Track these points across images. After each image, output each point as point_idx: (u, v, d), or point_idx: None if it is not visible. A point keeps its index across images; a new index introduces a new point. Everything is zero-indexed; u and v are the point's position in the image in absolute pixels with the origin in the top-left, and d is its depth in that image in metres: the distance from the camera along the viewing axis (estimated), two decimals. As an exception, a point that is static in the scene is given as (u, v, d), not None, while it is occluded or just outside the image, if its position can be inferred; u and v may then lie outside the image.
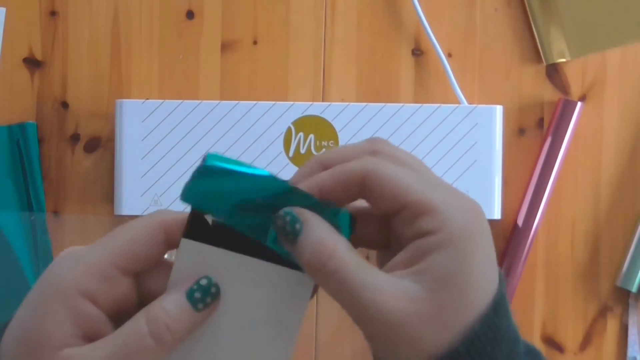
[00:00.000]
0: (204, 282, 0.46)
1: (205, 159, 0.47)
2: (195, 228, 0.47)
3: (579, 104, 0.87)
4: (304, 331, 0.88)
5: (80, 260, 0.45)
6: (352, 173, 0.46)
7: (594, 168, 0.88)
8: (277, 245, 0.46)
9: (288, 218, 0.45)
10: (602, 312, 0.88)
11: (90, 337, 0.45)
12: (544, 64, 0.89)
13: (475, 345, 0.44)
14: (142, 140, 0.83)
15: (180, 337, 0.45)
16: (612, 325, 0.88)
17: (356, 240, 0.47)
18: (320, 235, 0.44)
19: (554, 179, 0.87)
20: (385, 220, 0.47)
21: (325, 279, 0.44)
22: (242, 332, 0.47)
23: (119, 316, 0.46)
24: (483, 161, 0.84)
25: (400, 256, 0.45)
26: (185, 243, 0.46)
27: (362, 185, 0.46)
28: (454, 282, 0.44)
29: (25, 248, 0.87)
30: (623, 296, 0.88)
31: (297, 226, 0.45)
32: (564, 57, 0.88)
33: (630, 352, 0.87)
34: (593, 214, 0.88)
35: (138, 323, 0.44)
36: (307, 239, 0.44)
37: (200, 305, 0.45)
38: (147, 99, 0.86)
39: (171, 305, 0.45)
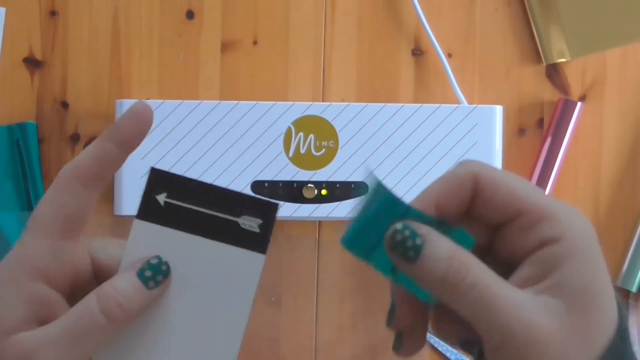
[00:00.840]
0: (154, 261, 0.46)
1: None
2: (148, 208, 0.48)
3: (579, 104, 0.87)
4: (304, 331, 0.88)
5: (23, 245, 0.45)
6: (463, 177, 0.44)
7: (594, 168, 0.88)
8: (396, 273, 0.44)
9: (407, 232, 0.42)
10: (602, 312, 0.88)
11: (46, 319, 0.45)
12: (544, 64, 0.89)
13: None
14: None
15: (131, 314, 0.45)
16: (612, 325, 0.88)
17: None
18: (450, 248, 0.42)
19: (554, 179, 0.87)
20: (488, 233, 0.45)
21: (463, 294, 0.41)
22: (194, 312, 0.48)
23: (83, 287, 0.46)
24: (483, 161, 0.84)
25: (527, 270, 0.43)
26: (138, 224, 0.47)
27: (474, 191, 0.44)
28: (592, 294, 0.42)
29: (25, 248, 0.87)
30: (623, 296, 0.88)
31: (418, 241, 0.42)
32: (564, 57, 0.88)
33: (630, 352, 0.87)
34: (593, 214, 0.88)
35: (89, 301, 0.44)
36: (435, 254, 0.41)
37: (151, 284, 0.45)
38: (147, 99, 0.86)
39: (122, 283, 0.45)
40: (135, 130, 0.47)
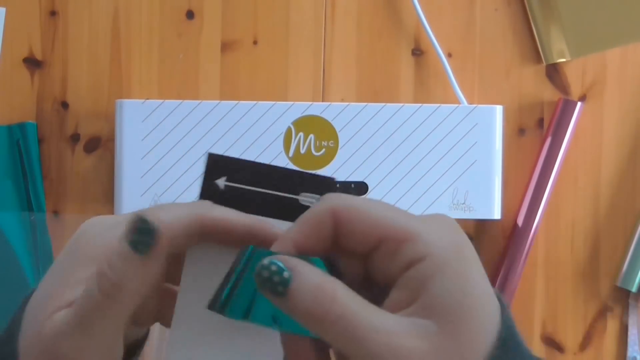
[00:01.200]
0: (134, 218, 0.41)
1: None
2: (209, 193, 0.47)
3: (579, 103, 0.87)
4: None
5: (110, 232, 0.44)
6: (320, 214, 0.43)
7: (594, 168, 0.88)
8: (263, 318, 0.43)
9: (274, 267, 0.40)
10: (602, 312, 0.88)
11: None
12: (544, 64, 0.89)
13: None
14: (142, 140, 0.83)
15: (130, 287, 0.42)
16: (612, 325, 0.88)
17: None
18: (316, 279, 0.40)
19: (554, 179, 0.87)
20: (360, 262, 0.44)
21: (329, 326, 0.40)
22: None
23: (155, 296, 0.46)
24: (483, 161, 0.84)
25: (397, 293, 0.42)
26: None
27: (334, 225, 0.43)
28: (464, 308, 0.41)
29: (25, 248, 0.87)
30: (623, 296, 0.88)
31: (286, 274, 0.40)
32: (564, 57, 0.88)
33: (630, 352, 0.87)
34: (593, 214, 0.88)
35: (91, 283, 0.42)
36: (302, 286, 0.40)
37: (140, 247, 0.41)
38: (147, 99, 0.86)
39: (113, 255, 0.41)
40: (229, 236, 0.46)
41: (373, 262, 0.44)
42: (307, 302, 0.40)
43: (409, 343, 0.40)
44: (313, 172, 0.48)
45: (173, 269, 0.47)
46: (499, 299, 0.43)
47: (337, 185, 0.46)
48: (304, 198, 0.47)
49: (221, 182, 0.47)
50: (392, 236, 0.42)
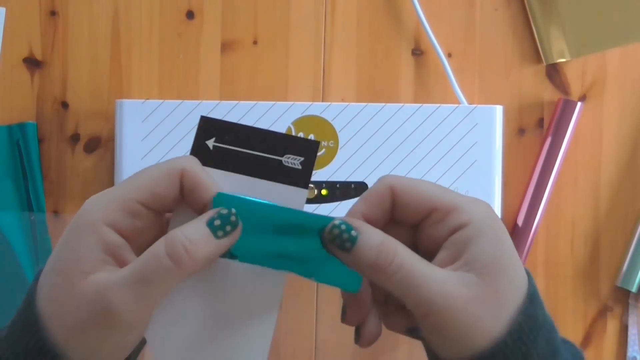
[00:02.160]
0: (224, 211, 0.49)
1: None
2: (199, 153, 0.51)
3: (579, 104, 0.87)
4: (304, 331, 0.88)
5: (106, 197, 0.49)
6: (382, 190, 0.51)
7: (594, 168, 0.88)
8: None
9: (343, 227, 0.49)
10: (602, 312, 0.88)
11: (118, 263, 0.49)
12: (544, 64, 0.89)
13: (519, 333, 0.48)
14: (142, 140, 0.83)
15: (197, 260, 0.47)
16: (612, 325, 0.88)
17: None
18: (380, 237, 0.49)
19: (554, 179, 0.87)
20: (409, 232, 0.52)
21: (391, 275, 0.48)
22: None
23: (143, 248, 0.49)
24: (483, 161, 0.84)
25: (443, 254, 0.50)
26: None
27: (393, 200, 0.51)
28: (499, 266, 0.49)
29: (25, 248, 0.87)
30: (623, 296, 0.88)
31: (354, 233, 0.48)
32: (564, 57, 0.88)
33: (630, 352, 0.87)
34: (593, 213, 0.88)
35: (157, 246, 0.47)
36: (368, 242, 0.48)
37: (220, 233, 0.48)
38: (147, 99, 0.86)
39: (190, 229, 0.47)
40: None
41: (422, 230, 0.52)
42: (372, 255, 0.48)
43: (456, 291, 0.48)
44: (295, 136, 0.52)
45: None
46: (529, 275, 0.51)
47: (318, 146, 0.53)
48: (287, 159, 0.52)
49: (210, 143, 0.51)
50: (441, 207, 0.50)
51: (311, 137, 0.84)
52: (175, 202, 0.51)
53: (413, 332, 0.54)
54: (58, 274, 0.48)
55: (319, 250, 0.50)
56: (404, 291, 0.48)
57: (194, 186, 0.50)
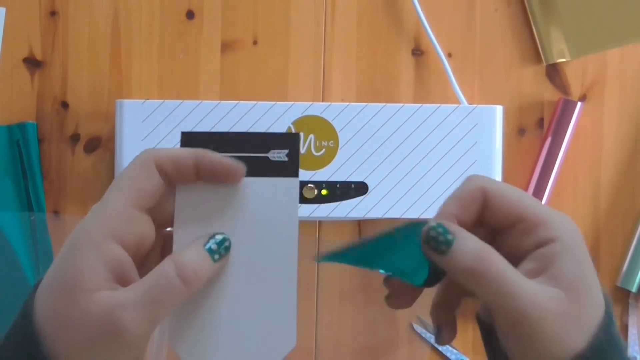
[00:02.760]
0: (219, 237, 0.52)
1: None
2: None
3: (579, 103, 0.87)
4: (304, 331, 0.88)
5: (101, 210, 0.51)
6: (474, 191, 0.53)
7: (594, 168, 0.88)
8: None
9: (440, 230, 0.51)
10: (602, 312, 0.88)
11: (121, 280, 0.50)
12: (544, 64, 0.89)
13: (598, 349, 0.50)
14: (142, 140, 0.84)
15: (202, 281, 0.51)
16: (612, 325, 0.88)
17: None
18: (478, 244, 0.51)
19: (554, 179, 0.87)
20: (490, 235, 0.54)
21: (487, 282, 0.50)
22: (250, 249, 0.53)
23: (141, 259, 0.52)
24: (483, 161, 0.84)
25: (529, 264, 0.51)
26: (180, 186, 0.53)
27: (483, 201, 0.53)
28: (584, 284, 0.51)
29: (25, 248, 0.87)
30: (623, 296, 0.88)
31: (450, 237, 0.51)
32: (564, 57, 0.88)
33: (630, 352, 0.87)
34: (593, 213, 0.88)
35: (166, 267, 0.50)
36: (465, 247, 0.50)
37: (216, 257, 0.52)
38: (147, 99, 0.86)
39: (194, 254, 0.51)
40: (216, 172, 0.53)
41: (506, 236, 0.53)
42: (468, 261, 0.50)
43: (546, 303, 0.50)
44: (278, 132, 0.55)
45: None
46: (605, 295, 0.53)
47: (301, 138, 0.55)
48: (273, 154, 0.54)
49: None
50: (529, 218, 0.52)
51: (311, 137, 0.84)
52: (162, 190, 0.53)
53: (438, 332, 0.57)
54: (59, 290, 0.49)
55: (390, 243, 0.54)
56: (498, 299, 0.50)
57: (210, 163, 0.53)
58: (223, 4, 0.88)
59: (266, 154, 0.54)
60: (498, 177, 0.84)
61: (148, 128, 0.83)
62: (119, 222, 0.50)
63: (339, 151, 0.84)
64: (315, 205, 0.84)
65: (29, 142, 0.87)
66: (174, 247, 0.53)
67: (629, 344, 0.88)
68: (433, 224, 0.51)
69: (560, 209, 0.88)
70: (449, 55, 0.88)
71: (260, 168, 0.54)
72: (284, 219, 0.54)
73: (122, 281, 0.50)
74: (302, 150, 0.84)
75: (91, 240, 0.50)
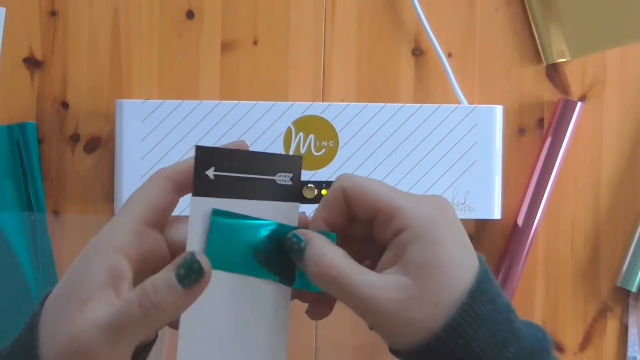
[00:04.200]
0: (187, 257, 0.49)
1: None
2: (201, 183, 0.53)
3: (579, 104, 0.87)
4: (304, 331, 0.88)
5: (111, 226, 0.52)
6: (335, 193, 0.55)
7: (594, 168, 0.88)
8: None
9: (294, 239, 0.54)
10: (602, 312, 0.88)
11: (116, 290, 0.51)
12: (544, 64, 0.89)
13: (455, 329, 0.52)
14: (142, 140, 0.84)
15: (166, 312, 0.48)
16: (612, 325, 0.88)
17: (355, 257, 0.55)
18: (320, 249, 0.53)
19: (554, 179, 0.87)
20: (369, 228, 0.56)
21: (329, 284, 0.53)
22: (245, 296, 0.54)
23: (152, 271, 0.51)
24: (483, 161, 0.84)
25: (385, 256, 0.54)
26: (195, 200, 0.52)
27: (346, 199, 0.55)
28: (431, 267, 0.52)
29: (25, 248, 0.87)
30: (623, 296, 0.88)
31: (302, 245, 0.53)
32: (564, 57, 0.88)
33: (630, 352, 0.87)
34: (593, 214, 0.88)
35: (131, 296, 0.49)
36: (310, 254, 0.53)
37: (186, 282, 0.48)
38: (147, 99, 0.86)
39: (160, 281, 0.48)
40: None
41: (373, 229, 0.55)
42: (312, 266, 0.53)
43: (388, 294, 0.52)
44: (282, 153, 0.57)
45: None
46: (482, 264, 0.54)
47: (302, 161, 0.58)
48: (279, 178, 0.55)
49: (210, 172, 0.53)
50: (385, 210, 0.54)
51: (311, 137, 0.84)
52: (174, 207, 0.54)
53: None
54: (60, 301, 0.51)
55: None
56: (341, 297, 0.53)
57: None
58: (223, 4, 0.88)
59: (273, 177, 0.55)
60: (498, 177, 0.85)
61: (148, 128, 0.83)
62: (126, 236, 0.51)
63: (339, 151, 0.84)
64: (315, 205, 0.84)
65: (29, 142, 0.87)
66: None
67: (629, 344, 0.88)
68: (289, 234, 0.54)
69: (560, 209, 0.88)
70: (449, 55, 0.88)
71: (266, 191, 0.55)
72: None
73: (118, 292, 0.51)
74: (303, 150, 0.84)
75: (97, 253, 0.51)
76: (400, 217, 0.53)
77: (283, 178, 0.55)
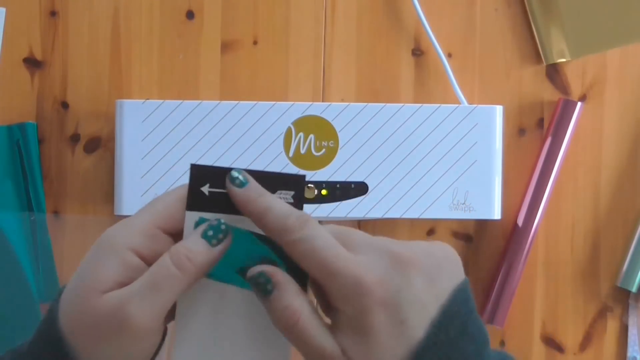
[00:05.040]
0: (214, 222, 0.53)
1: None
2: (196, 199, 0.54)
3: (579, 104, 0.87)
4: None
5: (129, 223, 0.54)
6: None
7: (594, 168, 0.88)
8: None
9: (262, 279, 0.52)
10: (602, 312, 0.88)
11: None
12: (544, 64, 0.89)
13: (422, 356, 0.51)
14: (142, 140, 0.84)
15: (199, 267, 0.52)
16: (612, 325, 0.88)
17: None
18: (288, 301, 0.52)
19: (554, 179, 0.87)
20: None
21: (289, 335, 0.52)
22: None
23: None
24: (483, 161, 0.84)
25: (339, 317, 0.53)
26: (189, 215, 0.54)
27: None
28: (365, 344, 0.51)
29: (25, 248, 0.87)
30: (623, 296, 0.88)
31: (269, 287, 0.52)
32: (564, 57, 0.88)
33: (630, 352, 0.87)
34: (593, 214, 0.88)
35: (163, 259, 0.52)
36: (277, 303, 0.52)
37: (214, 241, 0.53)
38: (147, 99, 0.86)
39: (189, 242, 0.53)
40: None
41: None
42: (278, 314, 0.52)
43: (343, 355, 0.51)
44: (284, 172, 0.55)
45: None
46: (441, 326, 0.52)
47: (306, 181, 0.59)
48: (281, 195, 0.55)
49: (205, 189, 0.54)
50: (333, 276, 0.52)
51: (311, 137, 0.84)
52: None
53: None
54: (78, 293, 0.53)
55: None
56: (297, 348, 0.52)
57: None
58: (223, 4, 0.88)
59: (273, 194, 0.55)
60: (498, 177, 0.85)
61: (148, 128, 0.83)
62: (142, 237, 0.53)
63: (339, 151, 0.84)
64: (315, 205, 0.84)
65: (29, 142, 0.87)
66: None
67: (629, 344, 0.88)
68: (257, 270, 0.53)
69: (560, 209, 0.88)
70: (449, 55, 0.88)
71: None
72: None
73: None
74: (303, 150, 0.84)
75: (113, 249, 0.53)
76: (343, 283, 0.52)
77: (284, 196, 0.55)
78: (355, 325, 0.51)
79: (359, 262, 0.51)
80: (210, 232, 0.53)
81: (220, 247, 0.53)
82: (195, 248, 0.53)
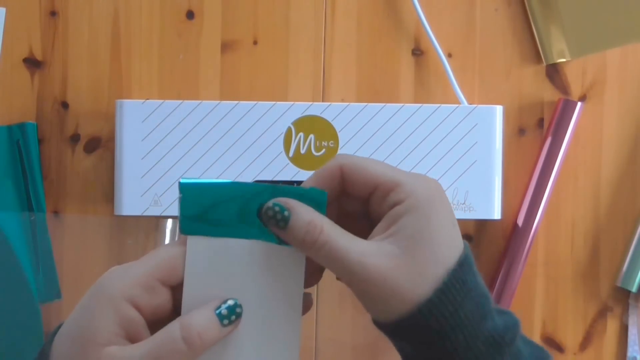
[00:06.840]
0: (230, 302, 0.53)
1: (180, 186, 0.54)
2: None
3: (579, 104, 0.87)
4: (304, 330, 0.88)
5: (127, 273, 0.53)
6: (332, 168, 0.56)
7: (594, 168, 0.88)
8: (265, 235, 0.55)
9: (277, 208, 0.53)
10: (602, 312, 0.88)
11: (132, 338, 0.52)
12: (544, 64, 0.89)
13: (446, 293, 0.53)
14: (142, 140, 0.84)
15: (207, 345, 0.52)
16: (612, 325, 0.88)
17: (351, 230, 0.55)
18: (309, 216, 0.53)
19: (554, 179, 0.87)
20: (361, 203, 0.57)
21: (318, 251, 0.53)
22: (255, 296, 0.55)
23: (156, 324, 0.53)
24: (483, 161, 0.84)
25: (378, 226, 0.55)
26: (192, 240, 0.54)
27: (342, 177, 0.56)
28: (421, 239, 0.53)
29: (25, 248, 0.87)
30: (623, 296, 0.88)
31: (286, 213, 0.53)
32: (564, 57, 0.88)
33: (630, 352, 0.87)
34: (593, 214, 0.88)
35: (173, 328, 0.51)
36: (298, 222, 0.53)
37: (225, 322, 0.53)
38: (147, 99, 0.86)
39: (201, 317, 0.52)
40: None
41: (370, 204, 0.56)
42: (301, 233, 0.53)
43: (375, 260, 0.53)
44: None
45: None
46: (466, 248, 0.56)
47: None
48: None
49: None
50: (384, 184, 0.55)
51: (311, 137, 0.84)
52: None
53: None
54: (74, 341, 0.52)
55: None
56: (330, 264, 0.53)
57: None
58: (223, 4, 0.88)
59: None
60: (498, 177, 0.85)
61: (148, 128, 0.83)
62: (140, 289, 0.53)
63: (339, 151, 0.84)
64: (315, 205, 0.84)
65: (29, 142, 0.87)
66: (183, 303, 0.54)
67: (629, 344, 0.88)
68: (270, 203, 0.54)
69: (560, 209, 0.88)
70: (449, 55, 0.88)
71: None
72: (289, 270, 0.55)
73: (134, 339, 0.52)
74: (303, 150, 0.84)
75: (109, 299, 0.52)
76: (399, 190, 0.54)
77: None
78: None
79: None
80: (225, 312, 0.53)
81: (230, 328, 0.53)
82: (208, 326, 0.52)
